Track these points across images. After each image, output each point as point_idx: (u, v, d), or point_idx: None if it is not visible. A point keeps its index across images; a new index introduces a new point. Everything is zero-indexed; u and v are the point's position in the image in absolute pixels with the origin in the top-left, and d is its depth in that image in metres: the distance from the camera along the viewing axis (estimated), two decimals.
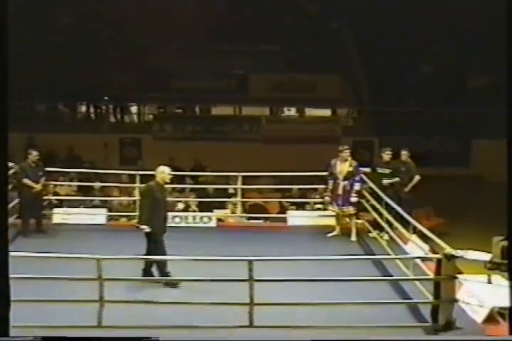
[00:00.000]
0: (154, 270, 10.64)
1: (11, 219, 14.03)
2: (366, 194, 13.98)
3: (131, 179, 15.97)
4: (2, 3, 5.32)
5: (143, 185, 15.30)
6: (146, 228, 10.75)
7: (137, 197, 15.29)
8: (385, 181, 14.04)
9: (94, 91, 27.35)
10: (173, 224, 11.61)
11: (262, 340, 7.97)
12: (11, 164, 14.47)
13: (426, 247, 10.80)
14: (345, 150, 13.83)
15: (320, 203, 15.44)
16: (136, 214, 14.95)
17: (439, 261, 8.96)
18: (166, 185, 11.61)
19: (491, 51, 22.36)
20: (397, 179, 14.07)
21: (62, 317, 8.75)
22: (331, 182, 13.88)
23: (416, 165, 14.44)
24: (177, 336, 7.90)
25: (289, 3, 28.84)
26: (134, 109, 29.32)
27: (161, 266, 10.52)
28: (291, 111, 29.57)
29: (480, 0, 23.09)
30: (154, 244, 10.75)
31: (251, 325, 8.78)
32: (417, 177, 14.16)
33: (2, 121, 5.51)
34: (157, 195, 11.02)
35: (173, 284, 10.38)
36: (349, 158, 13.81)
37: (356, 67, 28.13)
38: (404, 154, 14.37)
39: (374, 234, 13.55)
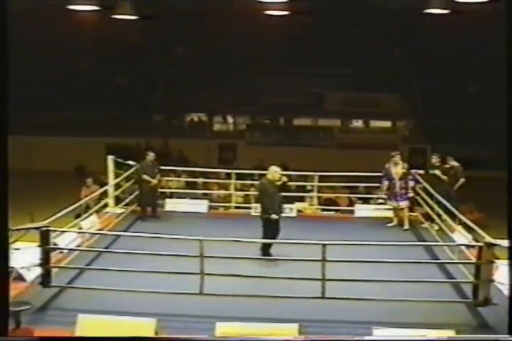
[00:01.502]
0: (271, 250, 10.72)
1: (133, 207, 14.32)
2: (420, 191, 13.83)
3: (228, 176, 16.09)
4: (2, 3, 5.14)
5: (239, 181, 15.57)
6: (275, 216, 10.90)
7: (232, 191, 15.51)
8: (437, 172, 13.91)
9: (199, 104, 27.75)
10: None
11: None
12: (132, 163, 14.76)
13: (469, 236, 10.61)
14: (396, 155, 13.69)
15: (381, 198, 15.34)
16: (232, 204, 15.35)
17: (480, 248, 8.80)
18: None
19: None
20: (445, 177, 13.88)
21: (170, 287, 8.88)
22: (386, 182, 13.70)
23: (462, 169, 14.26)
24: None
25: (359, 34, 28.68)
26: (230, 119, 29.65)
27: (266, 246, 10.68)
28: (358, 123, 29.46)
29: None
30: (272, 227, 10.91)
31: (323, 297, 8.75)
32: (462, 180, 13.91)
33: (2, 123, 5.16)
34: (270, 190, 11.05)
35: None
36: (400, 162, 13.65)
37: (414, 87, 27.86)
38: (453, 160, 14.20)
39: (426, 224, 13.38)
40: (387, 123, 28.93)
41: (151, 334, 7.68)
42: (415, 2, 19.13)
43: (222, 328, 7.79)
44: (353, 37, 28.49)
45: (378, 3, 26.72)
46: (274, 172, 11.17)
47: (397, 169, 13.58)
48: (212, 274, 8.83)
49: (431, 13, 17.02)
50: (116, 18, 18.14)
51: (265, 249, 10.69)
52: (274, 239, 10.80)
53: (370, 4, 26.61)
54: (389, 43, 28.71)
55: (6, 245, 5.47)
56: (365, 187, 16.90)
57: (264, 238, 10.85)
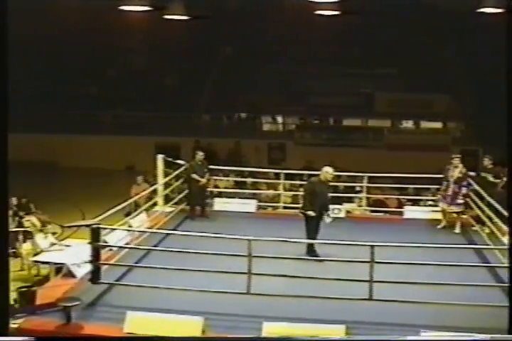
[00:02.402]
0: (319, 250, 10.73)
1: (182, 206, 14.41)
2: (471, 194, 13.64)
3: (277, 176, 16.09)
4: (2, 3, 5.10)
5: (288, 181, 15.58)
6: (311, 213, 10.96)
7: (281, 191, 15.54)
8: (490, 178, 13.71)
9: (249, 104, 27.85)
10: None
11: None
12: (182, 162, 14.86)
13: None
14: (456, 158, 13.56)
15: (431, 200, 15.17)
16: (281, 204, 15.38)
17: None
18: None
19: None
20: (498, 181, 13.69)
21: (218, 285, 8.91)
22: (444, 183, 13.61)
23: None
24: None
25: (409, 34, 28.42)
26: (279, 119, 29.68)
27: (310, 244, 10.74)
28: (409, 124, 29.21)
29: None
30: (311, 225, 10.98)
31: (371, 298, 8.69)
32: (504, 179, 13.77)
33: (2, 122, 5.07)
34: (317, 189, 11.11)
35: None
36: (460, 165, 13.48)
37: (465, 88, 27.50)
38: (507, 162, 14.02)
39: (477, 227, 13.20)
40: (438, 125, 28.61)
41: (198, 332, 7.74)
42: (467, 1, 18.88)
43: (268, 328, 7.80)
44: (402, 37, 28.23)
45: (427, 3, 26.42)
46: (326, 172, 11.20)
47: (455, 172, 13.45)
48: (260, 274, 8.83)
49: (483, 12, 16.77)
50: (166, 19, 18.28)
51: (310, 248, 10.72)
52: (315, 236, 10.86)
53: (419, 4, 26.34)
54: (440, 43, 28.38)
55: (5, 246, 5.50)
56: (415, 188, 16.74)
57: (305, 234, 10.94)
